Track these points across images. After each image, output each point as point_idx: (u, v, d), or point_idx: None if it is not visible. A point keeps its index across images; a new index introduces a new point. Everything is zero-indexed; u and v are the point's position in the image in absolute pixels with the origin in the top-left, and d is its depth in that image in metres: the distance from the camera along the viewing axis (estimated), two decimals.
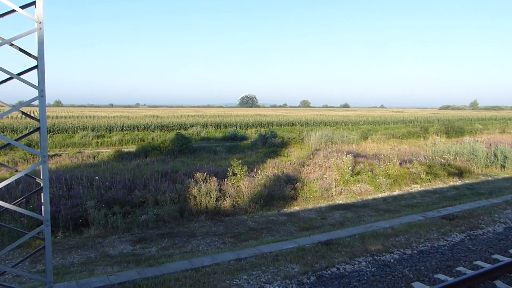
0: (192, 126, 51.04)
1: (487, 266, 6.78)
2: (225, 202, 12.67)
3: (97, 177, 14.10)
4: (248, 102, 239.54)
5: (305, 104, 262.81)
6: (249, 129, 55.15)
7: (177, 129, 47.12)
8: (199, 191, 12.57)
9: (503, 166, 20.49)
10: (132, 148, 32.46)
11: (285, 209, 13.17)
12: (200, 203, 12.37)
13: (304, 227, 10.81)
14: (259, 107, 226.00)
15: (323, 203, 13.91)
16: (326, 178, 15.47)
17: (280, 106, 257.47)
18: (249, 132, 49.50)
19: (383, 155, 18.80)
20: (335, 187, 15.25)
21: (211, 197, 12.55)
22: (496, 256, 7.48)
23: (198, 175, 13.33)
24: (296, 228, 10.84)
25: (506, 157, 20.70)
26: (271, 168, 17.14)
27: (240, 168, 14.16)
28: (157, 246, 9.43)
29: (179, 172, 16.03)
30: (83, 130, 43.29)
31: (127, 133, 44.33)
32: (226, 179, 13.85)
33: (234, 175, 14.04)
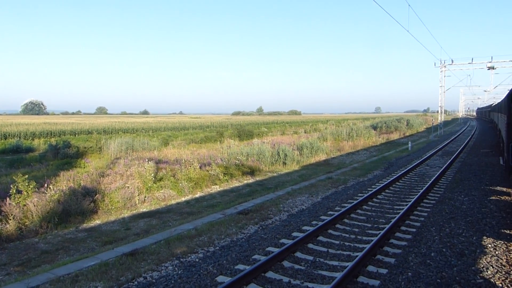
0: None
1: (276, 250, 7.78)
2: (7, 226, 10.85)
3: None
4: (34, 108, 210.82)
5: (102, 111, 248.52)
6: (36, 139, 48.58)
7: None
8: None
9: (284, 163, 23.85)
10: None
11: (84, 225, 12.15)
12: None
13: (107, 240, 10.21)
14: (47, 114, 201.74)
15: (126, 213, 13.42)
16: (128, 187, 14.98)
17: (73, 113, 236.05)
18: (36, 143, 43.54)
19: (184, 159, 19.41)
20: (139, 195, 14.93)
21: None
22: (282, 240, 8.65)
23: None
24: (98, 243, 10.14)
25: (286, 155, 24.18)
26: (65, 182, 15.54)
27: (26, 184, 12.35)
28: None
29: None
30: None
31: None
32: (8, 199, 11.87)
33: (19, 193, 12.15)
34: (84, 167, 23.02)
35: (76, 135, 53.83)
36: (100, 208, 13.53)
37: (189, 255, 8.02)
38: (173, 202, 15.02)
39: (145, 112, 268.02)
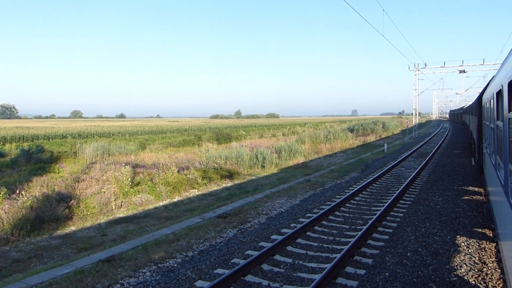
0: None
1: (255, 253, 7.77)
2: None
3: None
4: (5, 112, 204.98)
5: (77, 115, 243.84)
6: (7, 144, 47.13)
7: None
8: None
9: (263, 166, 23.90)
10: None
11: (59, 231, 11.85)
12: None
13: (83, 247, 9.98)
14: (20, 118, 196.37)
15: (103, 219, 13.17)
16: (104, 192, 14.71)
17: (47, 117, 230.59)
18: (8, 148, 42.25)
19: (162, 164, 19.20)
20: (115, 200, 14.68)
21: None
22: (262, 243, 8.65)
23: None
24: (73, 250, 9.90)
25: (265, 158, 24.24)
26: (39, 187, 15.15)
27: None
28: None
29: None
30: None
31: None
32: None
33: None
34: (59, 172, 22.51)
35: (50, 140, 52.54)
36: (75, 214, 13.24)
37: (167, 260, 7.92)
38: (150, 206, 14.83)
39: (122, 116, 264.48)
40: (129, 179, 16.14)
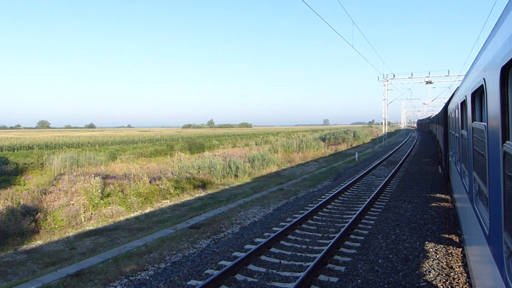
0: None
1: (229, 263, 7.72)
2: None
3: None
4: None
5: (44, 125, 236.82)
6: None
7: None
8: None
9: (236, 176, 23.85)
10: None
11: (24, 246, 11.41)
12: None
13: (50, 262, 9.64)
14: None
15: (71, 232, 12.78)
16: (73, 204, 14.30)
17: (12, 128, 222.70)
18: None
19: (133, 174, 18.88)
20: (85, 212, 14.29)
21: None
22: (235, 253, 8.61)
23: None
24: (39, 265, 9.55)
25: (238, 168, 24.22)
26: (2, 200, 14.59)
27: None
28: None
29: None
30: None
31: None
32: None
33: None
34: (24, 185, 21.76)
35: (15, 151, 50.67)
36: (42, 228, 12.80)
37: (139, 273, 7.76)
38: (121, 218, 14.51)
39: (91, 126, 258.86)
40: (99, 191, 15.77)
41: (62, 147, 54.94)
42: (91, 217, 14.33)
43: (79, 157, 31.20)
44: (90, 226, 13.55)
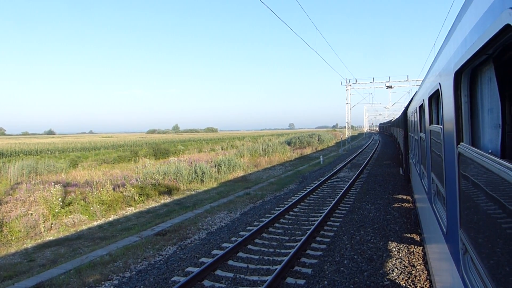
0: None
1: (196, 270, 7.64)
2: None
3: None
4: None
5: None
6: None
7: None
8: None
9: (202, 181, 23.67)
10: None
11: None
12: None
13: (7, 276, 9.20)
14: None
15: (30, 243, 12.25)
16: (31, 214, 13.71)
17: None
18: None
19: (96, 181, 18.35)
20: (44, 222, 13.74)
21: None
22: (202, 259, 8.53)
23: None
24: None
25: (204, 173, 24.05)
26: None
27: None
28: None
29: None
30: None
31: None
32: None
33: None
34: None
35: None
36: None
37: (102, 283, 7.53)
38: (84, 227, 14.05)
39: (51, 132, 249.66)
40: (60, 199, 15.22)
41: (19, 155, 52.63)
42: (51, 227, 13.79)
43: (38, 165, 30.01)
44: (51, 236, 13.04)
